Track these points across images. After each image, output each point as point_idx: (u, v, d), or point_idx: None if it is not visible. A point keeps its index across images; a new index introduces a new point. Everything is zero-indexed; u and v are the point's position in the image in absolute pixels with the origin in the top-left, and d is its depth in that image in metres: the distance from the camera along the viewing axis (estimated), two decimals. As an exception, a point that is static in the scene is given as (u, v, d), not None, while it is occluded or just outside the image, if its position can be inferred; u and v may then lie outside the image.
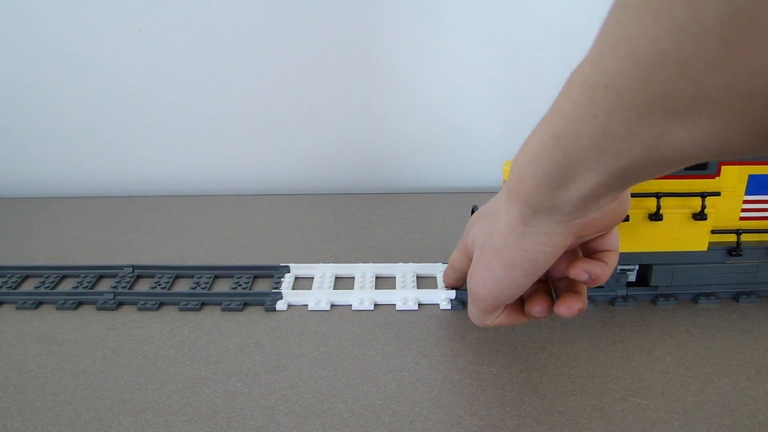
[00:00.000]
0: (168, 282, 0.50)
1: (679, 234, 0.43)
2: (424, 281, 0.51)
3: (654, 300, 0.47)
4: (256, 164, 0.73)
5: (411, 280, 0.50)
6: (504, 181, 0.42)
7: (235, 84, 0.68)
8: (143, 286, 0.51)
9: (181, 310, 0.47)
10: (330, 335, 0.44)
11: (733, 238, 0.44)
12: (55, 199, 0.69)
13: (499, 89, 0.69)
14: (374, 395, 0.38)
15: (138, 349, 0.42)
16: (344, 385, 0.39)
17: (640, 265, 0.46)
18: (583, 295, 0.36)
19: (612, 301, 0.47)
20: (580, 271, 0.34)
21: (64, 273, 0.52)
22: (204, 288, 0.49)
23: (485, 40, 0.66)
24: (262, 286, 0.50)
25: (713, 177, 0.42)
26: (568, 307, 0.36)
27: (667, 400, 0.37)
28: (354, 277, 0.51)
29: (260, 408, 0.37)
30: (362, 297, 0.47)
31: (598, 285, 0.35)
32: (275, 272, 0.51)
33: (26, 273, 0.52)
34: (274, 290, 0.48)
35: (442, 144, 0.72)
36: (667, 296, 0.46)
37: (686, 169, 0.42)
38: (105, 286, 0.51)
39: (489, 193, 0.41)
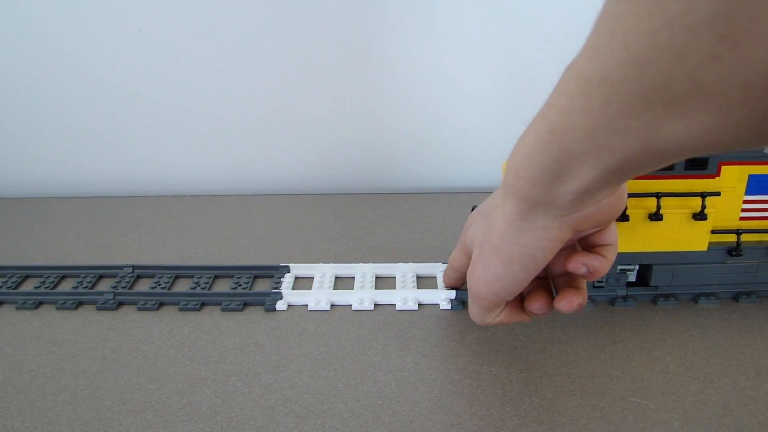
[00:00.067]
0: (168, 282, 0.50)
1: (679, 234, 0.43)
2: (424, 281, 0.51)
3: (654, 300, 0.47)
4: (256, 164, 0.73)
5: (411, 280, 0.50)
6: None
7: (235, 84, 0.68)
8: (143, 286, 0.51)
9: (181, 310, 0.47)
10: (330, 335, 0.44)
11: (733, 238, 0.44)
12: (55, 199, 0.69)
13: (499, 89, 0.69)
14: (374, 395, 0.38)
15: (138, 349, 0.42)
16: (344, 385, 0.39)
17: (640, 265, 0.46)
18: (582, 290, 0.37)
19: (612, 301, 0.47)
20: (579, 264, 0.34)
21: (64, 273, 0.52)
22: (204, 288, 0.49)
23: (485, 40, 0.66)
24: (262, 286, 0.50)
25: (713, 177, 0.42)
26: (568, 302, 0.36)
27: (667, 400, 0.37)
28: (354, 277, 0.51)
29: (260, 408, 0.37)
30: (362, 297, 0.47)
31: (597, 278, 0.35)
32: (275, 272, 0.51)
33: (26, 273, 0.52)
34: (274, 290, 0.48)
35: (442, 144, 0.72)
36: (667, 296, 0.46)
37: (686, 169, 0.42)
38: (105, 286, 0.51)
39: (489, 193, 0.41)
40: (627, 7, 0.21)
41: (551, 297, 0.38)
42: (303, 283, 0.51)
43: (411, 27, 0.65)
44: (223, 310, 0.47)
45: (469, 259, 0.39)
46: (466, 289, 0.41)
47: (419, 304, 0.47)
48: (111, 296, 0.48)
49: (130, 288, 0.50)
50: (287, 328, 0.45)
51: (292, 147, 0.72)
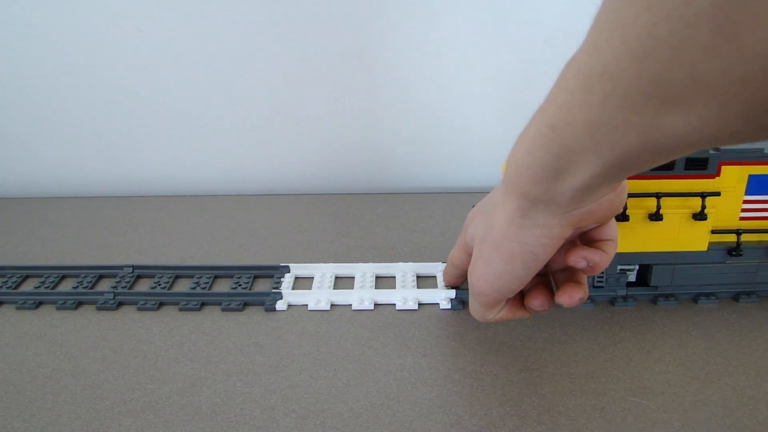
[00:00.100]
0: (168, 282, 0.50)
1: (679, 234, 0.43)
2: (424, 281, 0.51)
3: (654, 300, 0.47)
4: (256, 164, 0.73)
5: (411, 280, 0.50)
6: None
7: (235, 84, 0.68)
8: (143, 286, 0.51)
9: (181, 310, 0.47)
10: (330, 335, 0.44)
11: (733, 238, 0.44)
12: (55, 199, 0.69)
13: (499, 89, 0.69)
14: (374, 395, 0.38)
15: (138, 349, 0.42)
16: (344, 385, 0.39)
17: (640, 265, 0.46)
18: (583, 284, 0.37)
19: (612, 301, 0.47)
20: (579, 258, 0.34)
21: (64, 273, 0.52)
22: (204, 288, 0.49)
23: (485, 40, 0.66)
24: (262, 286, 0.50)
25: (713, 177, 0.42)
26: (569, 296, 0.36)
27: (667, 400, 0.37)
28: (354, 277, 0.51)
29: (260, 408, 0.37)
30: (362, 297, 0.47)
31: (597, 273, 0.35)
32: (275, 272, 0.51)
33: (26, 273, 0.52)
34: (274, 290, 0.48)
35: (442, 144, 0.72)
36: (667, 296, 0.46)
37: (686, 169, 0.42)
38: (105, 286, 0.51)
39: (489, 193, 0.41)
40: (626, 0, 0.21)
41: (551, 293, 0.38)
42: (303, 283, 0.51)
43: (411, 27, 0.65)
44: (223, 310, 0.47)
45: (470, 256, 0.39)
46: (466, 289, 0.41)
47: (419, 304, 0.47)
48: (111, 296, 0.48)
49: (130, 288, 0.50)
50: (287, 328, 0.45)
51: (292, 147, 0.72)
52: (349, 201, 0.67)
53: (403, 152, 0.72)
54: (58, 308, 0.47)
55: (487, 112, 0.70)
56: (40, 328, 0.45)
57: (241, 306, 0.47)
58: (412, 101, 0.69)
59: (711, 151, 0.41)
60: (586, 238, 0.36)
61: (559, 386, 0.38)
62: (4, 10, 0.64)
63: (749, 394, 0.38)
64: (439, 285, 0.49)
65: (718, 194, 0.42)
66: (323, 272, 0.51)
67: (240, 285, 0.49)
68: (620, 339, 0.43)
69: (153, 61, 0.67)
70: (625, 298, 0.46)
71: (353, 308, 0.47)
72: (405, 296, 0.47)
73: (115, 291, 0.48)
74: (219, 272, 0.52)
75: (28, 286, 0.51)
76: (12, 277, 0.51)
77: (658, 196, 0.42)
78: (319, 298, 0.47)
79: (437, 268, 0.51)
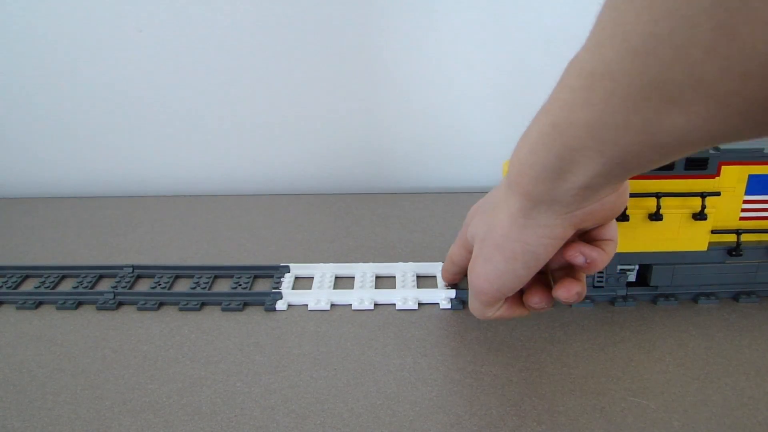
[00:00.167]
0: (168, 282, 0.50)
1: (679, 234, 0.43)
2: (424, 281, 0.51)
3: (654, 300, 0.47)
4: (256, 164, 0.73)
5: (411, 280, 0.50)
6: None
7: (235, 84, 0.68)
8: (143, 286, 0.51)
9: (181, 310, 0.47)
10: (330, 335, 0.44)
11: (733, 238, 0.44)
12: (55, 199, 0.69)
13: (499, 90, 0.69)
14: (374, 395, 0.38)
15: (138, 349, 0.42)
16: (344, 385, 0.39)
17: (640, 265, 0.46)
18: (581, 281, 0.37)
19: (612, 301, 0.47)
20: (576, 253, 0.34)
21: (64, 273, 0.52)
22: (204, 288, 0.49)
23: (485, 41, 0.66)
24: (262, 286, 0.50)
25: (713, 177, 0.42)
26: (566, 289, 0.36)
27: (667, 400, 0.37)
28: (354, 277, 0.51)
29: (260, 408, 0.37)
30: (362, 297, 0.47)
31: (595, 271, 0.35)
32: (275, 272, 0.51)
33: (26, 273, 0.52)
34: (274, 290, 0.48)
35: (442, 144, 0.72)
36: (667, 296, 0.46)
37: (686, 168, 0.42)
38: (105, 286, 0.51)
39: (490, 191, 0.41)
40: None
41: (550, 291, 0.38)
42: (303, 282, 0.51)
43: (411, 27, 0.65)
44: (223, 310, 0.47)
45: (469, 253, 0.39)
46: (466, 289, 0.41)
47: (419, 304, 0.47)
48: (111, 296, 0.48)
49: (130, 288, 0.50)
50: (287, 328, 0.45)
51: (292, 147, 0.72)
52: (349, 201, 0.67)
53: (404, 152, 0.72)
54: (58, 308, 0.47)
55: (487, 112, 0.70)
56: (40, 328, 0.45)
57: (241, 306, 0.47)
58: (412, 101, 0.69)
59: (711, 151, 0.41)
60: (586, 238, 0.36)
61: (559, 386, 0.38)
62: (4, 10, 0.64)
63: (749, 394, 0.38)
64: (439, 285, 0.49)
65: (718, 194, 0.42)
66: (323, 272, 0.51)
67: (240, 285, 0.49)
68: (620, 339, 0.43)
69: (153, 61, 0.67)
70: (625, 298, 0.46)
71: (353, 308, 0.47)
72: (405, 296, 0.47)
73: (115, 291, 0.48)
74: (219, 272, 0.52)
75: (28, 286, 0.51)
76: (12, 277, 0.51)
77: (658, 196, 0.42)
78: (319, 298, 0.47)
79: (437, 268, 0.51)
